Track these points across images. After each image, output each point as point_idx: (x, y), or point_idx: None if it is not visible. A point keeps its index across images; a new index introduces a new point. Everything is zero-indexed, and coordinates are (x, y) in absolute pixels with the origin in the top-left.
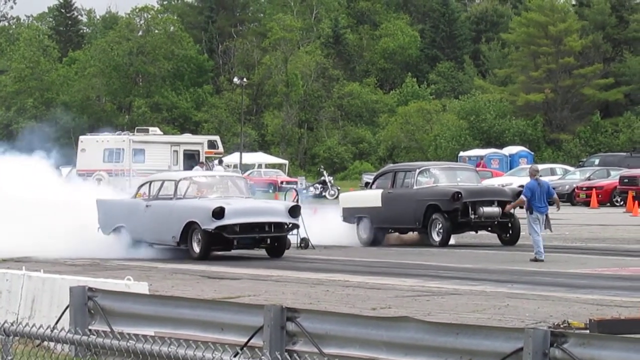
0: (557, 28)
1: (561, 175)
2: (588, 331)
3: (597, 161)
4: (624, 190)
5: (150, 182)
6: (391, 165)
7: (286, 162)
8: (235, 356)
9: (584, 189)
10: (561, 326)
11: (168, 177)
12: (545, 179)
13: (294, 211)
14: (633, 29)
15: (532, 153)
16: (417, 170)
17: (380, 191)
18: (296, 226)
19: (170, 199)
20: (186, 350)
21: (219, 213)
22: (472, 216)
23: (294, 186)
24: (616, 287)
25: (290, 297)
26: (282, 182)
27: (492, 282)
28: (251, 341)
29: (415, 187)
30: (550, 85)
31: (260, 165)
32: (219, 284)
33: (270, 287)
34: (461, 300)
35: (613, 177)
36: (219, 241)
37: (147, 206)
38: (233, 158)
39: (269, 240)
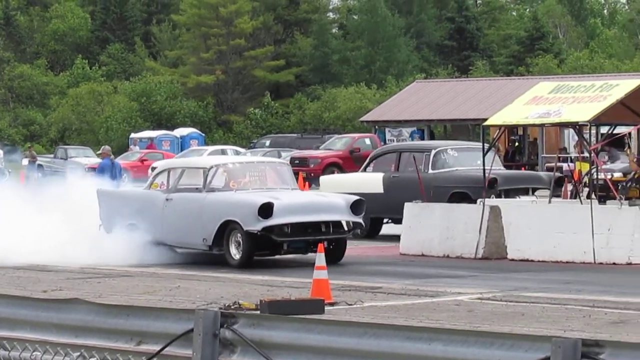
0: (228, 9)
1: None
2: (259, 312)
3: (268, 142)
4: (295, 171)
5: (170, 169)
6: (395, 144)
7: None
8: None
9: None
10: (232, 307)
11: (193, 163)
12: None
13: (357, 207)
14: (304, 10)
15: (204, 135)
16: (433, 151)
17: (381, 175)
18: (359, 225)
19: (199, 191)
20: None
21: (266, 210)
22: None
23: None
24: (287, 267)
25: None
26: None
27: (163, 265)
28: None
29: (431, 171)
30: (221, 67)
31: None
32: None
33: None
34: (132, 282)
35: (284, 158)
36: (265, 245)
37: (167, 200)
38: None
39: (325, 244)
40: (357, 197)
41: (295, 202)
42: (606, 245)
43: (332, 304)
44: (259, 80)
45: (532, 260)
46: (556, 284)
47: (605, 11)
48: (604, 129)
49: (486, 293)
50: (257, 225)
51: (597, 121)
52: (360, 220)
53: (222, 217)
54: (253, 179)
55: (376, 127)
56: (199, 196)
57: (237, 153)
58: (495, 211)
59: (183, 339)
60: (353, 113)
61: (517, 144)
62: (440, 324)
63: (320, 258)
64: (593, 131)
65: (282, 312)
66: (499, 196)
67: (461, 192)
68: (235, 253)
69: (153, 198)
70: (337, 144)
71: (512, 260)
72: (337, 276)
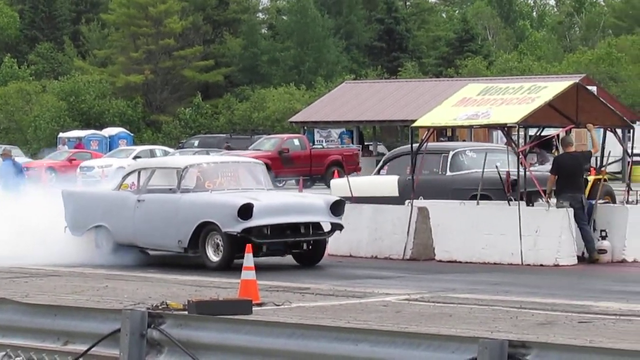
0: (157, 9)
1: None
2: (186, 312)
3: (196, 142)
4: None
5: (140, 169)
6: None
7: None
8: None
9: None
10: (159, 307)
11: (166, 163)
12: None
13: (337, 208)
14: (233, 10)
15: (132, 134)
16: (451, 153)
17: (396, 177)
18: (339, 227)
19: (173, 191)
20: None
21: (246, 211)
22: None
23: None
24: (209, 268)
25: None
26: None
27: (91, 265)
28: None
29: (449, 173)
30: (150, 67)
31: None
32: None
33: None
34: (60, 281)
35: None
36: (242, 247)
37: (139, 200)
38: None
39: (304, 245)
40: (337, 198)
41: (274, 203)
42: (534, 246)
43: (259, 305)
44: (188, 81)
45: (459, 262)
46: (484, 285)
47: (535, 13)
48: (532, 131)
49: (414, 294)
50: (237, 227)
51: (526, 123)
52: (341, 222)
53: (199, 219)
54: (228, 179)
55: (305, 127)
56: (174, 197)
57: (166, 153)
58: (423, 212)
59: (110, 339)
60: (282, 114)
61: None
62: (368, 325)
63: (248, 259)
64: (521, 133)
65: (210, 313)
66: (521, 199)
67: (482, 195)
68: (212, 255)
69: (123, 199)
70: (265, 145)
71: (440, 261)
72: (265, 277)
